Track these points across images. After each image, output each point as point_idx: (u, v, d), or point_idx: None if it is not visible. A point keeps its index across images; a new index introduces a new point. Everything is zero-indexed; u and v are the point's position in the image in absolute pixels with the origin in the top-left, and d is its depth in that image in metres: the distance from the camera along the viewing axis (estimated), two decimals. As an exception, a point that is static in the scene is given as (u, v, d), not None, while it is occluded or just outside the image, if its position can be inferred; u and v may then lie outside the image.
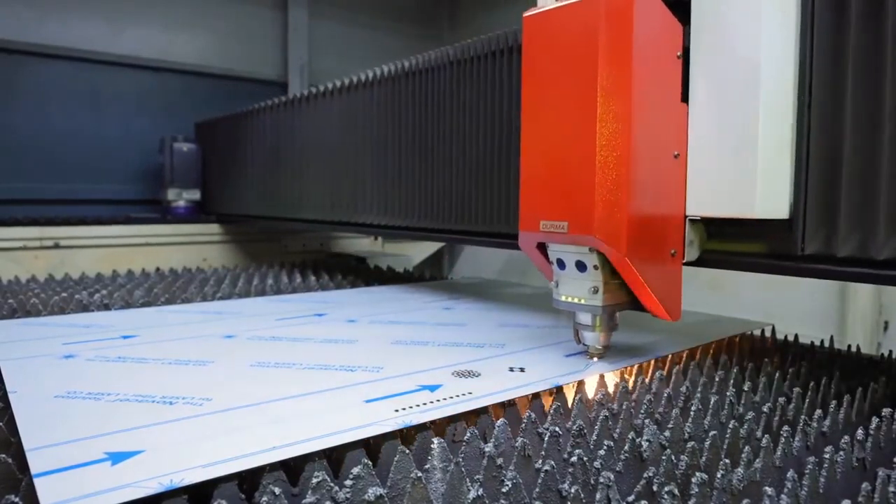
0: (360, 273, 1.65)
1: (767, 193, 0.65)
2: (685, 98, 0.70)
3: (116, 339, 0.84)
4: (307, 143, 1.50)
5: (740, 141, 0.65)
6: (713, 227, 0.73)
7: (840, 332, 1.67)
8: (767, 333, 0.95)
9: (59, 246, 1.71)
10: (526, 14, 0.71)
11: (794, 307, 1.72)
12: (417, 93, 1.15)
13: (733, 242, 0.72)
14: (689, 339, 0.87)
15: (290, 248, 2.09)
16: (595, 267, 0.68)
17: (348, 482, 0.44)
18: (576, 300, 0.71)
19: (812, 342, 0.92)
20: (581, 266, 0.69)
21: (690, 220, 0.71)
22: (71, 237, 1.73)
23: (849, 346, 0.90)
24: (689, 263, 0.73)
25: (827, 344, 0.91)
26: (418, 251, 2.40)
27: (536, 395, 0.62)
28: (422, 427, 0.54)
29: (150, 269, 1.60)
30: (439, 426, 0.55)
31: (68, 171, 2.09)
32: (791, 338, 0.93)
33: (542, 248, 0.74)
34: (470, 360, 0.74)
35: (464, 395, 0.61)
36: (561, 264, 0.71)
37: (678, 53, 0.68)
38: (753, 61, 0.64)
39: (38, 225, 1.72)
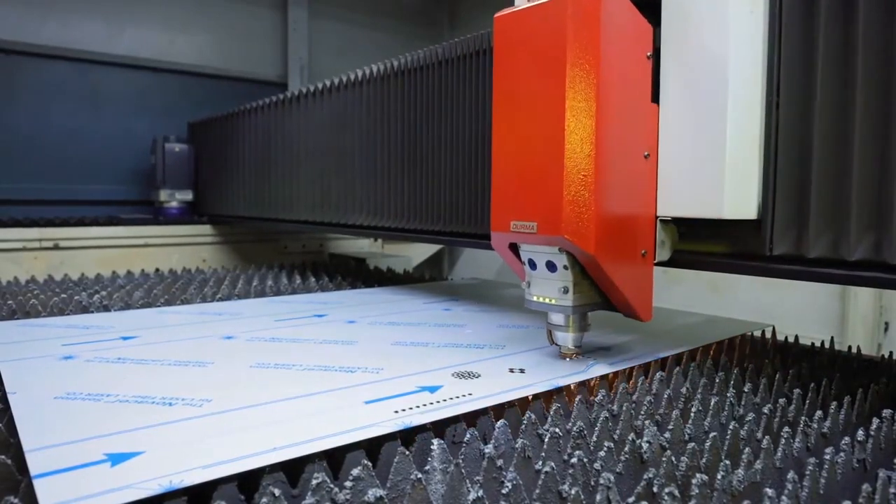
0: (360, 274, 1.65)
1: (736, 194, 0.65)
2: (656, 98, 0.70)
3: (116, 341, 0.84)
4: (298, 143, 1.50)
5: (709, 141, 0.66)
6: (685, 228, 0.73)
7: (840, 333, 1.67)
8: (768, 334, 0.95)
9: (58, 247, 1.71)
10: (497, 14, 0.71)
11: (795, 308, 1.72)
12: (406, 92, 1.15)
13: (705, 243, 0.72)
14: (689, 340, 0.87)
15: (289, 249, 2.09)
16: (565, 267, 0.68)
17: (348, 483, 0.44)
18: (547, 300, 0.71)
19: (812, 343, 0.92)
20: (551, 266, 0.69)
21: (661, 220, 0.71)
22: (70, 238, 1.73)
23: (849, 347, 0.90)
24: (660, 263, 0.73)
25: (827, 345, 0.91)
26: (418, 252, 2.41)
27: (537, 396, 0.62)
28: (422, 428, 0.54)
29: (149, 270, 1.60)
30: (439, 427, 0.55)
31: (67, 171, 2.09)
32: (791, 339, 0.93)
33: (514, 248, 0.74)
34: (470, 361, 0.74)
35: (464, 396, 0.61)
36: (532, 264, 0.71)
37: (648, 54, 0.69)
38: (721, 61, 0.64)
39: (38, 226, 1.72)
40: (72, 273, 1.56)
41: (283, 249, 2.09)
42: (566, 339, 0.73)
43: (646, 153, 0.70)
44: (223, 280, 1.40)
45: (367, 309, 1.08)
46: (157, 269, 1.61)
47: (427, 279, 1.60)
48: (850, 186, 0.61)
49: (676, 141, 0.69)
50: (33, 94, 2.03)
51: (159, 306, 1.15)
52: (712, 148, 0.65)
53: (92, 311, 1.08)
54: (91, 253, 1.75)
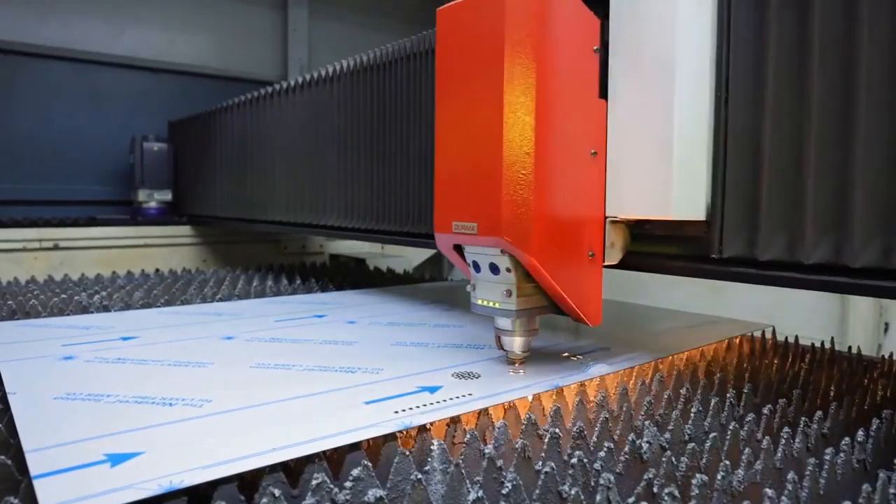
0: (360, 275, 1.65)
1: (684, 193, 0.63)
2: (604, 94, 0.67)
3: (116, 341, 0.84)
4: (273, 141, 1.46)
5: (656, 139, 0.63)
6: (637, 229, 0.70)
7: (840, 333, 1.67)
8: (768, 335, 0.95)
9: (58, 247, 1.71)
10: (440, 8, 0.69)
11: (795, 309, 1.72)
12: (376, 88, 1.11)
13: (657, 244, 0.70)
14: (689, 340, 0.87)
15: (289, 250, 2.09)
16: (508, 269, 0.65)
17: (348, 484, 0.44)
18: (491, 304, 0.68)
19: (812, 344, 0.92)
20: (494, 269, 0.67)
21: (611, 221, 0.69)
22: (70, 238, 1.73)
23: (849, 348, 0.90)
24: (611, 266, 0.70)
25: (827, 345, 0.91)
26: (417, 253, 2.40)
27: (537, 397, 0.62)
28: (422, 428, 0.54)
29: (149, 270, 1.60)
30: (439, 428, 0.55)
31: (67, 172, 2.09)
32: (791, 339, 0.93)
33: (459, 249, 0.71)
34: (470, 361, 0.74)
35: (464, 396, 0.61)
36: (476, 266, 0.69)
37: (595, 48, 0.66)
38: (668, 56, 0.62)
39: (37, 226, 1.72)
40: (72, 273, 1.56)
41: (284, 250, 2.09)
42: (512, 343, 0.70)
43: (593, 151, 0.66)
44: (223, 280, 1.40)
45: (366, 309, 1.08)
46: (157, 270, 1.61)
47: (427, 280, 1.60)
48: (806, 187, 0.58)
49: (625, 138, 0.66)
50: (33, 95, 2.03)
51: (159, 307, 1.15)
52: (660, 145, 0.62)
53: (92, 312, 1.08)
54: (91, 253, 1.75)
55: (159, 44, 2.26)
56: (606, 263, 0.69)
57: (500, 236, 0.62)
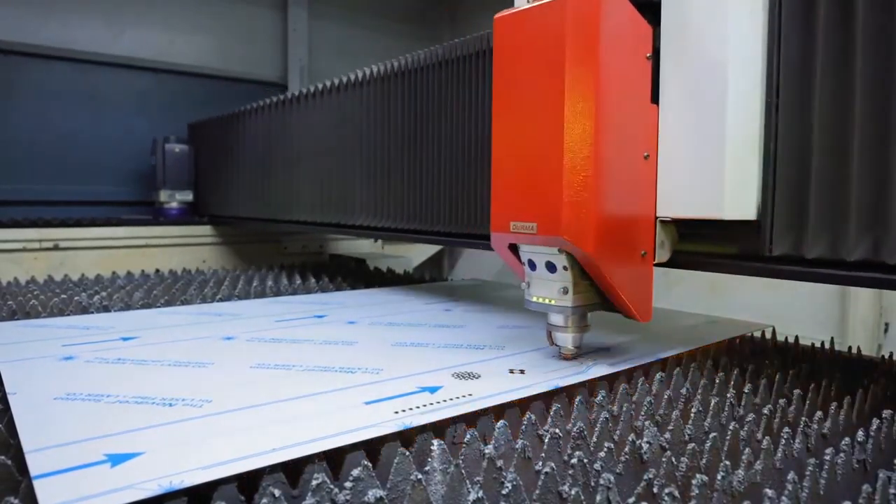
0: (360, 275, 1.65)
1: (735, 194, 0.65)
2: (656, 99, 0.70)
3: (116, 341, 0.84)
4: (298, 143, 1.50)
5: (708, 142, 0.66)
6: (685, 228, 0.73)
7: (841, 333, 1.67)
8: (768, 335, 0.95)
9: (58, 247, 1.71)
10: (497, 15, 0.71)
11: (795, 309, 1.72)
12: (407, 93, 1.15)
13: (705, 243, 0.73)
14: (689, 341, 0.87)
15: (289, 250, 2.09)
16: (565, 268, 0.68)
17: (348, 484, 0.44)
18: (547, 301, 0.71)
19: (812, 344, 0.92)
20: (551, 267, 0.69)
21: (661, 221, 0.71)
22: (70, 239, 1.73)
23: (849, 348, 0.90)
24: (660, 264, 0.73)
25: (827, 345, 0.91)
26: (418, 253, 2.40)
27: (537, 397, 0.62)
28: (422, 429, 0.54)
29: (149, 270, 1.60)
30: (439, 428, 0.55)
31: (68, 172, 2.09)
32: (791, 339, 0.93)
33: (514, 249, 0.74)
34: (470, 361, 0.74)
35: (464, 396, 0.61)
36: (532, 265, 0.71)
37: (648, 55, 0.69)
38: (720, 63, 0.64)
39: (38, 226, 1.72)
40: (72, 274, 1.56)
41: (283, 250, 2.08)
42: (566, 339, 0.73)
43: (646, 154, 0.69)
44: (223, 281, 1.40)
45: (367, 310, 1.08)
46: (157, 270, 1.61)
47: (427, 280, 1.60)
48: (850, 187, 0.61)
49: (676, 142, 0.69)
50: (33, 95, 2.02)
51: (159, 307, 1.15)
52: (712, 148, 0.65)
53: (92, 312, 1.08)
54: (91, 253, 1.75)
55: (159, 44, 2.25)
56: (657, 262, 0.72)
57: (560, 235, 0.65)
